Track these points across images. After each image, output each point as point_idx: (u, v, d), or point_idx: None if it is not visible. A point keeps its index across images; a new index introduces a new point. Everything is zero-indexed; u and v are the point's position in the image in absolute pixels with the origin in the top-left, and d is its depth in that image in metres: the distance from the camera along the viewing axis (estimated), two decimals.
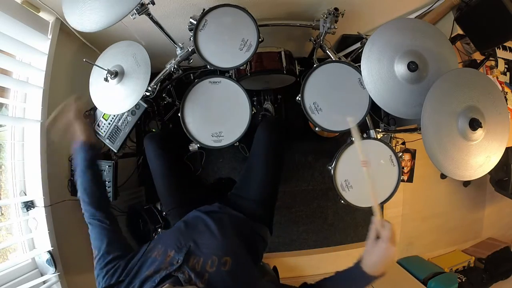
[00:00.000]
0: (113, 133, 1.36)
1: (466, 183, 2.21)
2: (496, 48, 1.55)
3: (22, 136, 1.19)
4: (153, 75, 1.09)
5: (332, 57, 1.29)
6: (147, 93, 1.21)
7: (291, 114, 1.87)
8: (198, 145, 1.18)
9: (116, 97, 1.08)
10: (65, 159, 1.33)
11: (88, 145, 0.83)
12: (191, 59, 1.22)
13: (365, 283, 0.65)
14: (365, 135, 1.21)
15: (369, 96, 1.03)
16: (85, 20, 0.89)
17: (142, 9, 0.99)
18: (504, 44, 1.59)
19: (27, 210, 1.16)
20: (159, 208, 1.61)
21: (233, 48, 1.08)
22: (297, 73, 1.46)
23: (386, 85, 0.98)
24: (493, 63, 1.58)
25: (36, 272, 1.14)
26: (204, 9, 1.08)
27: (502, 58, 1.60)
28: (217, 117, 1.18)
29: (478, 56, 1.52)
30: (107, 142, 1.37)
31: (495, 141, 0.92)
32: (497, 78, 1.58)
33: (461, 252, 2.21)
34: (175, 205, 1.06)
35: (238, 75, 1.40)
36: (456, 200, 2.23)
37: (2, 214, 1.22)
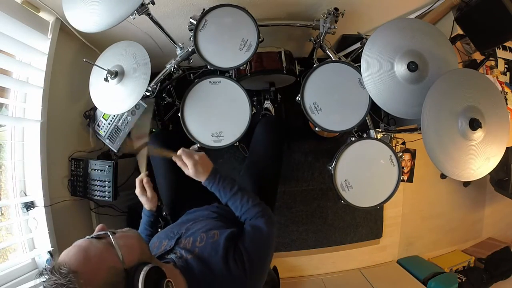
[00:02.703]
0: (113, 133, 1.36)
1: (466, 183, 2.21)
2: (496, 48, 1.55)
3: (22, 136, 1.18)
4: (153, 75, 1.09)
5: (332, 57, 1.29)
6: (147, 93, 1.21)
7: (291, 114, 1.87)
8: (198, 145, 1.18)
9: (116, 97, 1.09)
10: (65, 159, 1.33)
11: (151, 212, 0.96)
12: (191, 59, 1.21)
13: (216, 183, 0.84)
14: (365, 135, 1.21)
15: (369, 96, 1.03)
16: (86, 20, 0.90)
17: (142, 9, 0.99)
18: (504, 44, 1.59)
19: (27, 210, 1.15)
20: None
21: (233, 48, 1.08)
22: (297, 73, 1.45)
23: (386, 85, 0.98)
24: (493, 63, 1.58)
25: (36, 272, 1.13)
26: (204, 9, 1.08)
27: (502, 58, 1.60)
28: (217, 117, 1.18)
29: (478, 56, 1.52)
30: (107, 142, 1.37)
31: (495, 143, 0.92)
32: (497, 78, 1.58)
33: (461, 252, 2.21)
34: (176, 204, 1.07)
35: (238, 75, 1.40)
36: (456, 200, 2.23)
37: (2, 214, 1.22)
